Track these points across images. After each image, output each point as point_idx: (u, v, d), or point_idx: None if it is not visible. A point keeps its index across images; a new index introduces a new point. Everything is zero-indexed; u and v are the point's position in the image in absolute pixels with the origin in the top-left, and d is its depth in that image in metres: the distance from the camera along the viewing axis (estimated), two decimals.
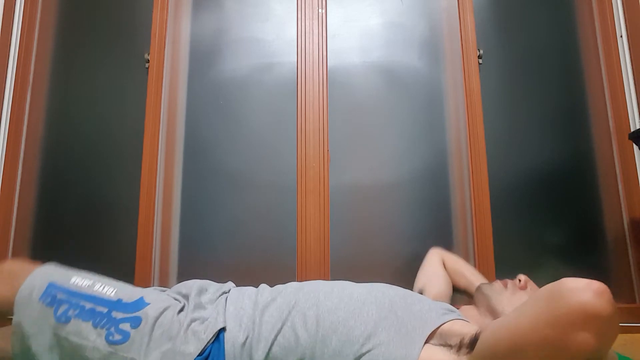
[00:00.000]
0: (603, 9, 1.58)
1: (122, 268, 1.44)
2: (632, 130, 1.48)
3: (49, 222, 1.51)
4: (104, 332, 0.77)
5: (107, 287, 0.84)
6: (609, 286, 0.67)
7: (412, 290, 1.18)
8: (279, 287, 0.92)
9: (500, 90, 1.54)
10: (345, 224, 1.45)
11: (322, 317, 0.79)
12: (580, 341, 0.55)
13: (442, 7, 1.59)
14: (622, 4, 1.56)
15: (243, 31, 1.59)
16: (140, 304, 0.81)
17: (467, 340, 0.71)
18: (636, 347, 1.22)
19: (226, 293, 0.91)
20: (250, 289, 0.92)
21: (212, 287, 0.93)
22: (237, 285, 1.00)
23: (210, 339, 0.77)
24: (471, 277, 1.19)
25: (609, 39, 1.56)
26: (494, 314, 0.93)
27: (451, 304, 1.07)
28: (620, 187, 1.48)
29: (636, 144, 1.37)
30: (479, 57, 1.53)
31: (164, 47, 1.55)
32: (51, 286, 0.82)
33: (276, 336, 0.78)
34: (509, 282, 1.00)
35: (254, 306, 0.84)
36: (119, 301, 0.81)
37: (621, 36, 1.55)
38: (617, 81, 1.52)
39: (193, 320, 0.81)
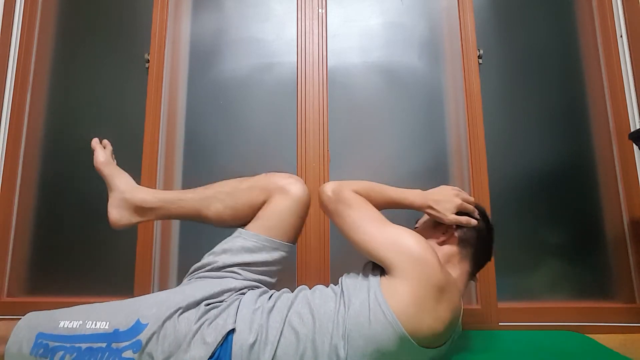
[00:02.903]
0: (603, 9, 1.58)
1: (122, 269, 1.44)
2: (632, 130, 1.48)
3: (49, 222, 1.51)
4: None
5: (99, 322, 0.81)
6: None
7: None
8: (284, 291, 0.93)
9: (500, 90, 1.54)
10: None
11: (315, 310, 0.82)
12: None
13: (442, 7, 1.59)
14: (622, 4, 1.56)
15: (243, 31, 1.59)
16: (138, 327, 0.79)
17: None
18: (636, 347, 1.22)
19: (242, 294, 0.91)
20: (263, 295, 0.91)
21: (232, 283, 0.93)
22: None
23: (219, 342, 0.77)
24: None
25: (609, 39, 1.56)
26: None
27: None
28: (620, 187, 1.48)
29: (636, 144, 1.36)
30: (479, 57, 1.53)
31: (164, 47, 1.55)
32: (40, 336, 0.79)
33: (279, 339, 0.79)
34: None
35: (262, 310, 0.84)
36: (115, 332, 0.79)
37: (621, 36, 1.55)
38: (617, 81, 1.52)
39: (202, 322, 0.81)
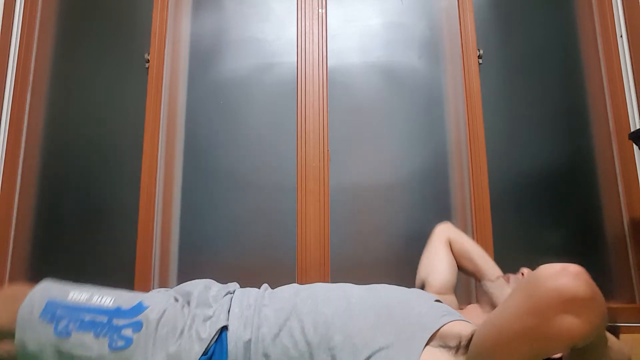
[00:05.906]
0: (603, 9, 1.58)
1: (122, 269, 1.44)
2: (632, 130, 1.48)
3: (49, 222, 1.51)
4: (106, 340, 0.77)
5: (104, 298, 0.84)
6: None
7: (415, 278, 1.17)
8: (277, 291, 0.92)
9: (500, 90, 1.54)
10: (345, 224, 1.45)
11: (319, 324, 0.78)
12: (562, 325, 0.54)
13: (442, 7, 1.59)
14: (622, 4, 1.56)
15: (243, 31, 1.59)
16: (139, 308, 0.81)
17: (464, 341, 0.71)
18: (636, 347, 1.22)
19: (231, 293, 0.91)
20: (254, 290, 0.92)
21: (216, 286, 0.94)
22: (239, 286, 0.99)
23: (213, 338, 0.78)
24: (479, 260, 1.12)
25: (609, 39, 1.56)
26: None
27: (455, 294, 1.07)
28: (620, 187, 1.48)
29: (636, 144, 1.36)
30: (479, 57, 1.53)
31: (164, 47, 1.55)
32: (50, 304, 0.82)
33: (274, 340, 0.78)
34: (512, 276, 0.98)
35: (255, 309, 0.84)
36: (117, 309, 0.81)
37: (621, 36, 1.55)
38: (617, 81, 1.52)
39: (195, 317, 0.81)
